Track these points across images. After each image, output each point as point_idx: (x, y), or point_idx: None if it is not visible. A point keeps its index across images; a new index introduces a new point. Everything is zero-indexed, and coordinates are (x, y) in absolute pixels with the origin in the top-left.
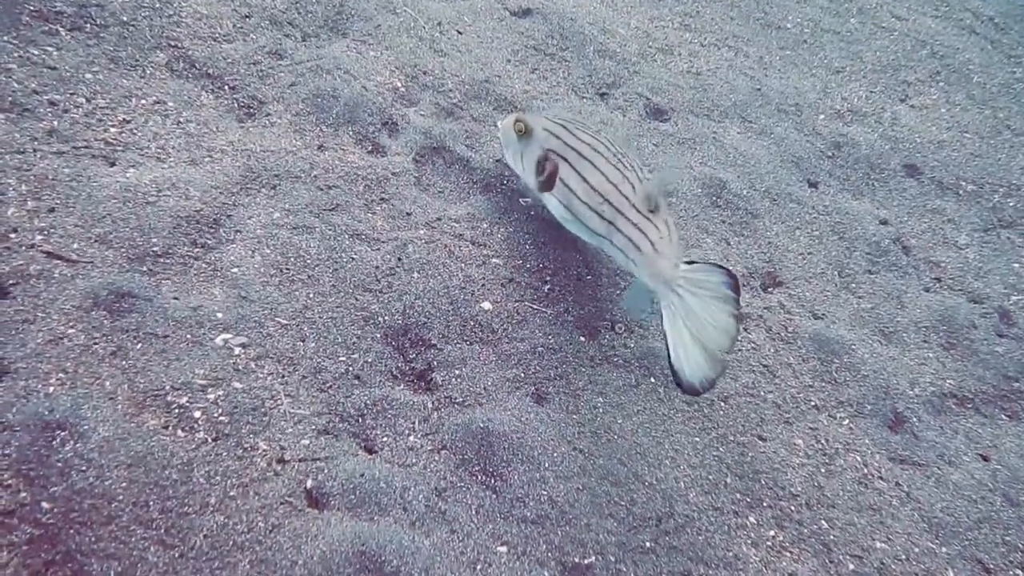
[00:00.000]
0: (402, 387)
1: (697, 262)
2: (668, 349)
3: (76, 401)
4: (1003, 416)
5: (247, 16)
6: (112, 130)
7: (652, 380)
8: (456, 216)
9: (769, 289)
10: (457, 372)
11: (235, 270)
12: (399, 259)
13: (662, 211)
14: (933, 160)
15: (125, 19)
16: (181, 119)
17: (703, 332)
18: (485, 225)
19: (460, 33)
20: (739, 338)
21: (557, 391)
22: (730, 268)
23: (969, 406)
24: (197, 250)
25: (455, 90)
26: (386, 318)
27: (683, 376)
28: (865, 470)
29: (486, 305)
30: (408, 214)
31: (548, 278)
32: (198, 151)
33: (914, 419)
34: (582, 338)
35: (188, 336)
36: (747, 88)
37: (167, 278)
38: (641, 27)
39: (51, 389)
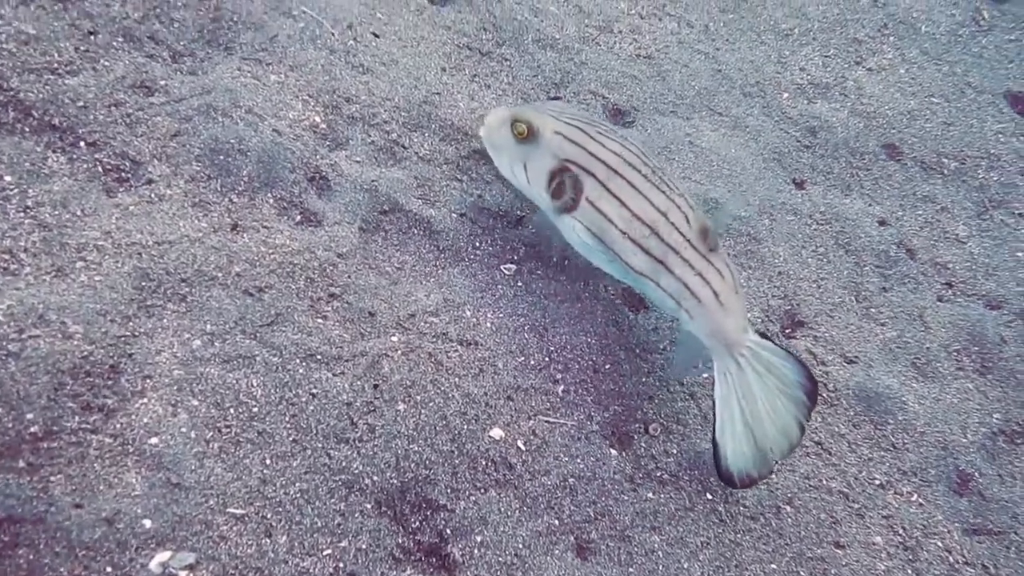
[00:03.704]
0: (410, 573)
1: (771, 340)
2: (715, 420)
3: None
4: None
5: (92, 32)
6: None
7: (708, 496)
8: (432, 306)
9: (792, 333)
10: (478, 538)
11: (154, 440)
12: (375, 385)
13: (721, 251)
14: (909, 136)
15: None
16: (28, 201)
17: (758, 422)
18: (468, 313)
19: (377, 36)
20: (798, 449)
21: (602, 536)
22: (810, 368)
23: (1019, 441)
24: (94, 418)
25: (391, 120)
26: (375, 478)
27: (724, 459)
28: (950, 558)
29: (496, 432)
30: (371, 313)
31: (559, 375)
32: (63, 252)
33: (976, 475)
34: (613, 451)
35: (109, 569)
36: (706, 70)
37: (58, 473)
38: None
39: None
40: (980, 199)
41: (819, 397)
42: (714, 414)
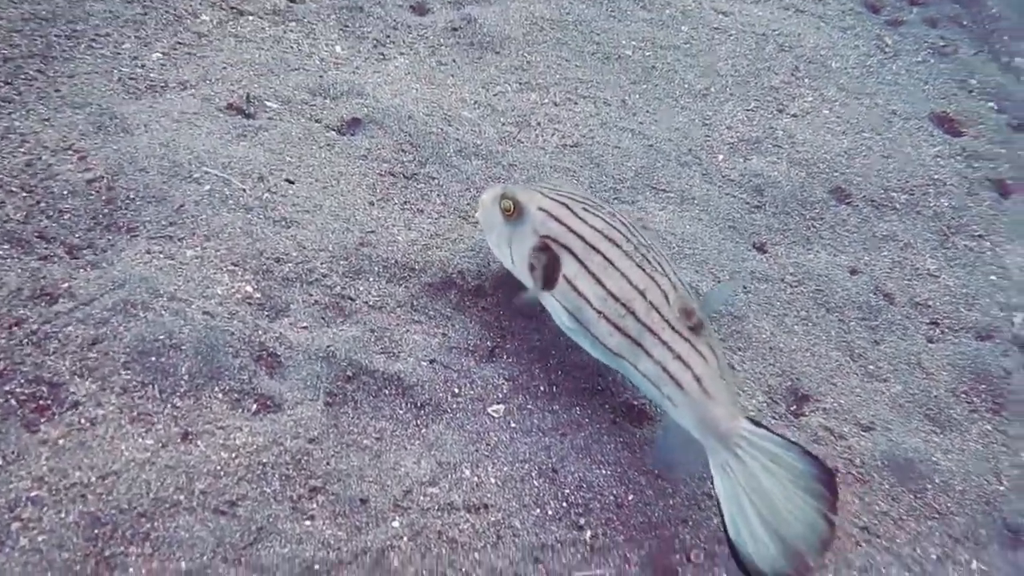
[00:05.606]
0: None
1: (766, 428)
2: (723, 518)
3: None
4: None
5: None
6: None
7: None
8: (426, 475)
9: (800, 410)
10: None
11: None
12: None
13: (706, 331)
14: (852, 176)
15: None
16: None
17: (778, 518)
18: (467, 472)
19: (293, 182)
20: (832, 544)
21: None
22: (819, 456)
23: None
24: None
25: (330, 272)
26: None
27: (745, 555)
28: None
29: None
30: (362, 500)
31: (582, 520)
32: None
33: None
34: None
35: None
36: (637, 147)
37: None
38: (480, 100)
39: None
40: (938, 228)
41: (838, 487)
42: (721, 514)
